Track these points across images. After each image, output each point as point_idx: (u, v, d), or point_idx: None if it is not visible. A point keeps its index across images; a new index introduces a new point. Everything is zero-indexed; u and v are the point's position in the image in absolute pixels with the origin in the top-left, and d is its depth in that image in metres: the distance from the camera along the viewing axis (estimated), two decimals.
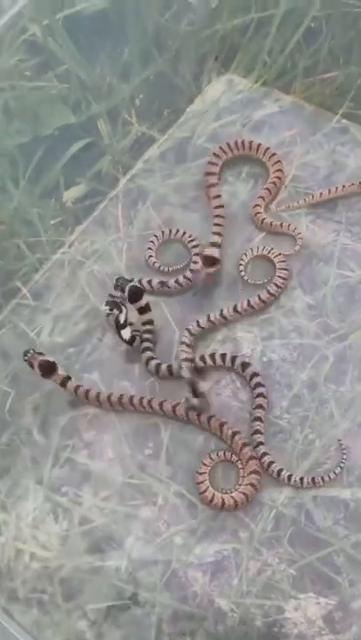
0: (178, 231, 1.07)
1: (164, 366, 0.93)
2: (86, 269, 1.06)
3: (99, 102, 1.17)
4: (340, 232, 1.04)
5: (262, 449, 0.85)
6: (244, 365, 0.91)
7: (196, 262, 1.02)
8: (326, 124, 1.16)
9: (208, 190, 1.09)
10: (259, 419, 0.87)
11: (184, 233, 1.06)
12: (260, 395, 0.89)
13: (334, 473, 0.83)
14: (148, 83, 1.21)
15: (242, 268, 1.01)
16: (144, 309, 0.96)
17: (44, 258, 1.09)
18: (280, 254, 1.01)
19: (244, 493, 0.82)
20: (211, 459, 0.86)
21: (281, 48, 1.19)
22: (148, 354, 0.94)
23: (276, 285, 0.98)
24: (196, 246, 1.05)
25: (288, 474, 0.83)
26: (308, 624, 0.75)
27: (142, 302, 0.95)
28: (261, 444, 0.85)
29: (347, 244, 1.03)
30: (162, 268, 1.04)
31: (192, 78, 1.24)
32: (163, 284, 1.01)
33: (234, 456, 0.86)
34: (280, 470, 0.83)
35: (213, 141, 1.18)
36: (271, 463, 0.84)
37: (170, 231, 1.07)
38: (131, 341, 0.95)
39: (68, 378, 0.91)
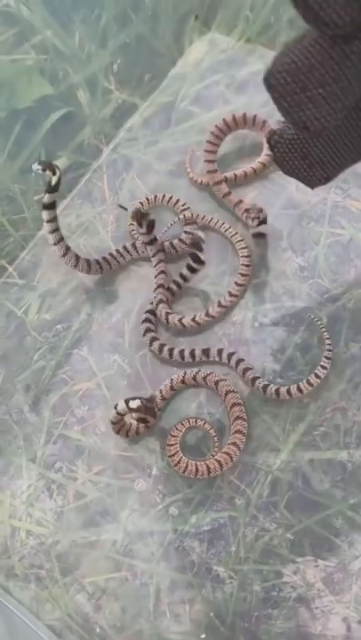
0: (164, 197, 1.04)
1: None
2: (72, 244, 1.03)
3: (77, 71, 1.13)
4: (331, 189, 1.00)
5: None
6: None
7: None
8: None
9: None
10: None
11: (170, 198, 1.03)
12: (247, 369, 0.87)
13: (323, 367, 0.83)
14: (127, 48, 1.17)
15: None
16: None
17: (29, 235, 1.07)
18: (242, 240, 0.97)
19: (226, 453, 0.80)
20: (177, 429, 0.85)
21: (263, 1, 1.14)
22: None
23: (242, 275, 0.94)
24: (186, 209, 1.01)
25: (276, 387, 0.84)
26: (307, 587, 0.74)
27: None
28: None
29: (338, 202, 0.99)
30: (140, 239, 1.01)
31: (173, 40, 1.20)
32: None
33: (202, 423, 0.85)
34: (266, 385, 0.84)
35: (197, 104, 1.14)
36: (256, 378, 0.85)
37: (155, 198, 1.04)
38: (49, 206, 0.91)
39: None
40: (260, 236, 0.96)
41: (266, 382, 0.85)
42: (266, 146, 1.04)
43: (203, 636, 0.74)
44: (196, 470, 0.81)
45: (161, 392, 0.87)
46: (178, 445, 0.84)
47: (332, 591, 0.73)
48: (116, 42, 1.15)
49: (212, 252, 1.00)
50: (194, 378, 0.87)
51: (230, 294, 0.93)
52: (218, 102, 1.14)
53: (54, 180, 0.92)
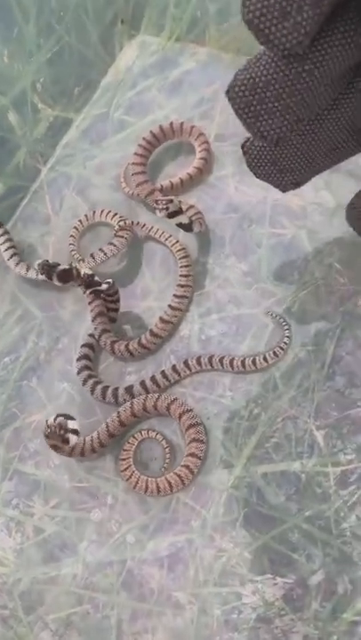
0: (102, 212, 1.01)
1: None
2: (14, 271, 1.02)
3: (4, 93, 1.11)
4: (270, 188, 0.97)
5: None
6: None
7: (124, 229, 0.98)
8: None
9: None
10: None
11: (109, 212, 1.01)
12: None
13: (280, 348, 0.83)
14: (55, 60, 1.14)
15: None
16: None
17: None
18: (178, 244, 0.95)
19: (178, 475, 0.79)
20: (129, 442, 0.84)
21: None
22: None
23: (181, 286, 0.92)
24: (121, 218, 0.99)
25: (230, 358, 0.84)
26: (267, 606, 0.73)
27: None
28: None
29: (277, 200, 0.96)
30: (78, 258, 0.99)
31: (101, 47, 1.17)
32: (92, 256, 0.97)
33: (154, 433, 0.84)
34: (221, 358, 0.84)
35: (131, 112, 1.12)
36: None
37: (93, 213, 1.02)
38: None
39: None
40: (186, 229, 0.92)
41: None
42: (199, 150, 1.01)
43: None
44: (146, 487, 0.80)
45: (108, 427, 0.85)
46: (131, 460, 0.83)
47: (292, 609, 0.72)
48: (41, 56, 1.12)
49: (156, 265, 0.98)
50: (143, 407, 0.85)
51: (171, 307, 0.91)
52: (152, 108, 1.11)
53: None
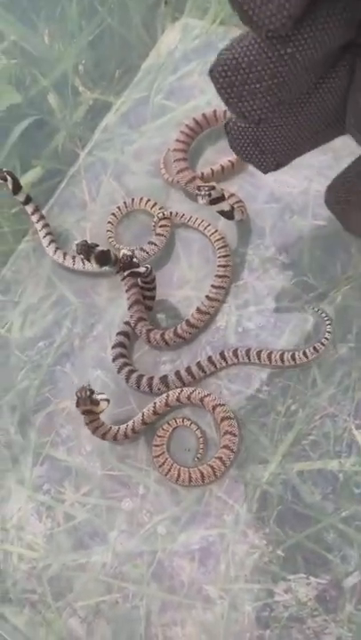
0: (141, 200, 1.00)
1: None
2: (52, 257, 1.01)
3: (46, 75, 1.09)
4: (313, 178, 0.95)
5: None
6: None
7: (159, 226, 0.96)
8: None
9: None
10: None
11: (148, 201, 0.99)
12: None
13: (321, 344, 0.81)
14: (96, 43, 1.12)
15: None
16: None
17: (9, 250, 1.05)
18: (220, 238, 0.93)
19: (211, 466, 0.78)
20: (163, 429, 0.83)
21: None
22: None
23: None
24: (160, 209, 0.98)
25: (267, 352, 0.83)
26: (300, 606, 0.71)
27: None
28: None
29: (320, 191, 0.92)
30: (117, 246, 0.98)
31: (144, 30, 1.15)
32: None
33: (188, 422, 0.83)
34: (259, 352, 0.83)
35: (172, 97, 1.09)
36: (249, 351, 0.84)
37: (132, 201, 1.01)
38: (26, 201, 0.98)
39: None
40: (227, 216, 0.89)
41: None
42: None
43: None
44: (178, 476, 0.79)
45: (143, 416, 0.84)
46: (164, 446, 0.82)
47: (325, 610, 0.71)
48: (83, 38, 1.10)
49: (194, 254, 0.96)
50: (177, 398, 0.84)
51: (209, 298, 0.89)
52: (194, 93, 1.08)
53: (10, 184, 0.96)
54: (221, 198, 0.86)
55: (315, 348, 0.82)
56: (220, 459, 0.79)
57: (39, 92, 1.08)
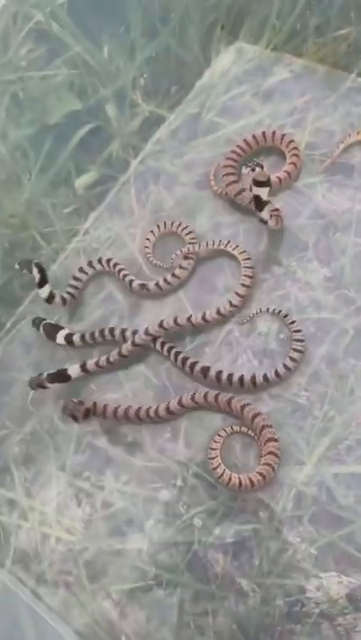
0: (173, 223, 1.04)
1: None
2: (100, 256, 1.06)
3: (105, 86, 1.15)
4: (357, 198, 0.99)
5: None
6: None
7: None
8: (341, 84, 1.10)
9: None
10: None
11: (179, 225, 1.03)
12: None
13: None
14: (155, 60, 1.18)
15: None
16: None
17: (60, 247, 1.10)
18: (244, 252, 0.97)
19: (260, 473, 0.81)
20: (220, 436, 0.86)
21: (290, 8, 1.14)
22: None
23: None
24: (192, 237, 1.01)
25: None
26: (331, 603, 0.74)
27: None
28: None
29: None
30: (154, 262, 1.02)
31: (200, 51, 1.21)
32: (142, 286, 0.99)
33: (244, 427, 0.85)
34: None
35: (223, 115, 1.15)
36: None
37: (165, 225, 1.04)
38: (49, 299, 0.98)
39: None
40: (259, 207, 0.92)
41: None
42: (289, 155, 1.04)
43: None
44: (229, 480, 0.82)
45: (168, 405, 0.88)
46: (218, 451, 0.85)
47: (356, 608, 0.73)
48: (143, 55, 1.17)
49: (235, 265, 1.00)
50: (215, 398, 0.87)
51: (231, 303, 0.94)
52: (244, 113, 1.14)
53: (36, 276, 0.96)
54: (265, 183, 0.89)
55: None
56: (269, 464, 0.81)
57: (98, 101, 1.15)
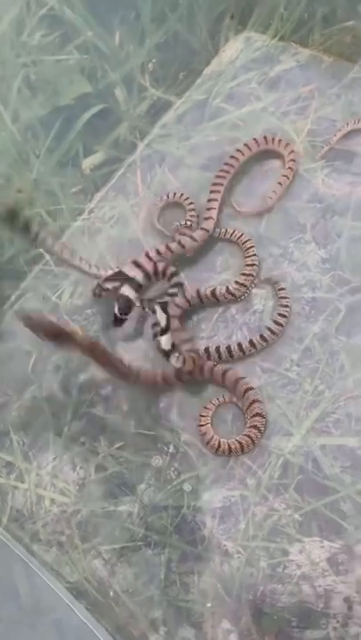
0: (175, 194, 1.08)
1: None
2: (104, 235, 1.09)
3: (115, 70, 1.18)
4: (356, 184, 1.02)
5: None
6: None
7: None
8: (345, 74, 1.12)
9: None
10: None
11: (181, 195, 1.07)
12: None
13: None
14: (164, 46, 1.21)
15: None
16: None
17: (65, 225, 1.13)
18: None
19: (248, 436, 0.83)
20: (212, 403, 0.89)
21: None
22: None
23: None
24: (191, 205, 1.05)
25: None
26: (312, 566, 0.76)
27: None
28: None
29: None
30: (159, 228, 1.06)
31: (208, 38, 1.24)
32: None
33: (234, 397, 0.88)
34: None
35: (230, 101, 1.17)
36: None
37: (168, 195, 1.08)
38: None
39: None
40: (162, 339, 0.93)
41: None
42: (287, 159, 1.05)
43: (209, 604, 0.77)
44: (218, 446, 0.85)
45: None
46: (209, 418, 0.88)
47: (335, 571, 0.76)
48: (153, 41, 1.20)
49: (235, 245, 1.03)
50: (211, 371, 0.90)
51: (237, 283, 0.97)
52: (250, 99, 1.17)
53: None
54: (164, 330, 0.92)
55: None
56: (256, 427, 0.84)
57: (108, 84, 1.18)
